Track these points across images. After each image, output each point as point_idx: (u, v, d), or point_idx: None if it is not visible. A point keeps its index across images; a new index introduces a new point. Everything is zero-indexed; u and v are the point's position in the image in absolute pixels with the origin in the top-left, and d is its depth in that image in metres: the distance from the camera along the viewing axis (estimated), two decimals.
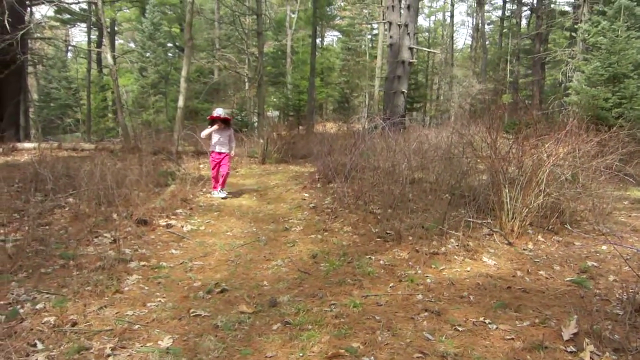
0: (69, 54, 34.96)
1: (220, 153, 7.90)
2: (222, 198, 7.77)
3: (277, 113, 26.95)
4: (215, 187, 7.98)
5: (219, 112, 8.00)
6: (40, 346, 3.01)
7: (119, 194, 6.70)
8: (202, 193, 8.05)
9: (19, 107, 15.99)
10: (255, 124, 19.26)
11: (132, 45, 36.45)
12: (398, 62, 15.75)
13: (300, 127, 19.71)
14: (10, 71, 14.04)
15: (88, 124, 26.80)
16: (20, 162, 9.72)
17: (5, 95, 14.67)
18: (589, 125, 7.41)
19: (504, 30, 34.26)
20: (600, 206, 6.17)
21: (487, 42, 32.90)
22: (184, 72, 12.57)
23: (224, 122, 7.96)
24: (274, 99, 30.14)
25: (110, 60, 14.65)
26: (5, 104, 14.59)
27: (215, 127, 7.80)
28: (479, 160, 6.87)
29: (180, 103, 12.47)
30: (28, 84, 20.70)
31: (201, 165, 10.60)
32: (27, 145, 12.31)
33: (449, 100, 28.90)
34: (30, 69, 24.40)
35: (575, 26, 19.33)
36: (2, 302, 3.63)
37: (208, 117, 8.08)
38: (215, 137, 7.86)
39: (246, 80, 26.35)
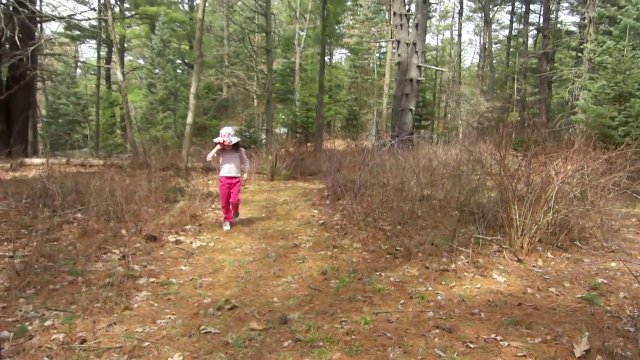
0: (78, 70, 35.39)
1: (229, 178, 6.85)
2: (227, 229, 6.86)
3: (285, 130, 27.08)
4: (227, 219, 6.95)
5: (227, 131, 6.78)
6: None
7: (128, 210, 6.74)
8: (211, 209, 8.06)
9: (28, 122, 16.15)
10: (264, 141, 19.38)
11: (141, 61, 36.92)
12: (406, 80, 15.84)
13: (309, 144, 19.78)
14: (20, 87, 14.23)
15: (96, 140, 27.04)
16: (29, 178, 9.79)
17: (14, 110, 14.84)
18: (596, 143, 7.40)
19: (511, 49, 34.51)
20: (609, 223, 6.15)
21: (494, 61, 33.11)
22: (193, 89, 12.72)
23: (234, 145, 6.83)
24: (283, 116, 30.32)
25: (119, 76, 14.84)
26: (14, 119, 14.73)
27: (218, 147, 6.76)
28: (487, 177, 6.86)
29: (189, 119, 12.58)
30: (37, 99, 20.96)
31: (210, 182, 10.65)
32: (36, 160, 12.39)
33: (457, 118, 28.98)
34: (39, 84, 24.71)
35: (582, 46, 19.46)
36: (10, 319, 3.64)
37: (215, 141, 6.80)
38: (222, 159, 6.88)
39: (255, 97, 26.62)
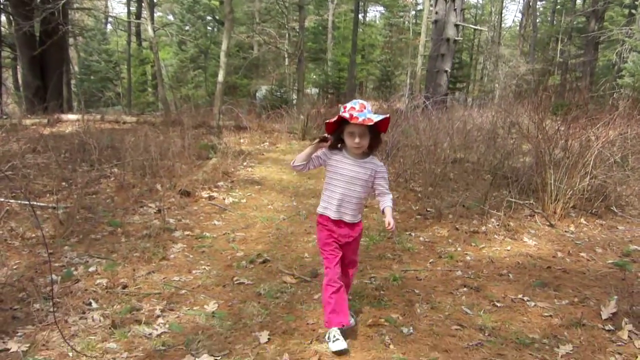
0: (109, 26, 35.50)
1: (341, 224, 2.90)
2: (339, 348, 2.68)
3: (316, 90, 26.88)
4: (336, 316, 2.72)
5: (359, 102, 2.79)
6: (94, 305, 3.19)
7: (162, 166, 6.90)
8: (242, 167, 8.17)
9: (62, 78, 16.33)
10: (295, 101, 19.33)
11: (170, 18, 36.74)
12: (442, 39, 15.45)
13: (340, 105, 19.64)
14: (53, 42, 14.30)
15: (128, 98, 27.34)
16: (66, 133, 10.01)
17: (49, 66, 14.95)
18: None
19: (557, 7, 32.94)
20: None
21: (538, 20, 31.76)
22: (223, 46, 12.66)
23: (370, 134, 2.80)
24: (314, 76, 30.06)
25: (150, 32, 14.89)
26: (49, 75, 14.88)
27: (323, 144, 2.85)
28: (523, 142, 6.75)
29: (220, 78, 12.59)
30: (69, 55, 21.15)
31: (241, 140, 10.74)
32: (71, 116, 12.59)
33: (494, 80, 28.18)
34: (70, 40, 24.87)
35: (636, 2, 18.38)
36: (57, 264, 3.84)
37: (326, 124, 2.87)
38: (330, 174, 2.92)
39: (286, 56, 26.34)
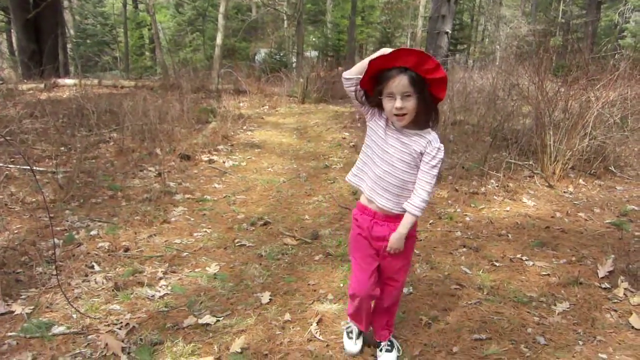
0: None
1: (377, 219, 2.06)
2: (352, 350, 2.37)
3: (316, 53, 26.49)
4: (349, 317, 2.41)
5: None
6: (97, 268, 3.23)
7: (162, 130, 6.87)
8: (242, 131, 8.14)
9: (58, 42, 15.97)
10: (294, 64, 19.09)
11: None
12: (443, 0, 15.11)
13: (340, 68, 19.42)
14: (46, 5, 13.94)
15: (126, 62, 26.98)
16: (63, 98, 9.92)
17: (44, 30, 14.55)
18: None
19: None
20: None
21: None
22: (221, 9, 12.47)
23: (418, 95, 1.85)
24: (313, 39, 29.56)
25: None
26: (44, 38, 14.52)
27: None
28: (523, 103, 6.69)
29: (219, 41, 12.44)
30: (64, 18, 20.64)
31: (241, 104, 10.67)
32: (68, 81, 12.40)
33: (495, 42, 27.72)
34: (65, 3, 24.26)
35: None
36: (58, 228, 3.87)
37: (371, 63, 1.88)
38: (368, 153, 2.07)
39: (285, 18, 25.86)
